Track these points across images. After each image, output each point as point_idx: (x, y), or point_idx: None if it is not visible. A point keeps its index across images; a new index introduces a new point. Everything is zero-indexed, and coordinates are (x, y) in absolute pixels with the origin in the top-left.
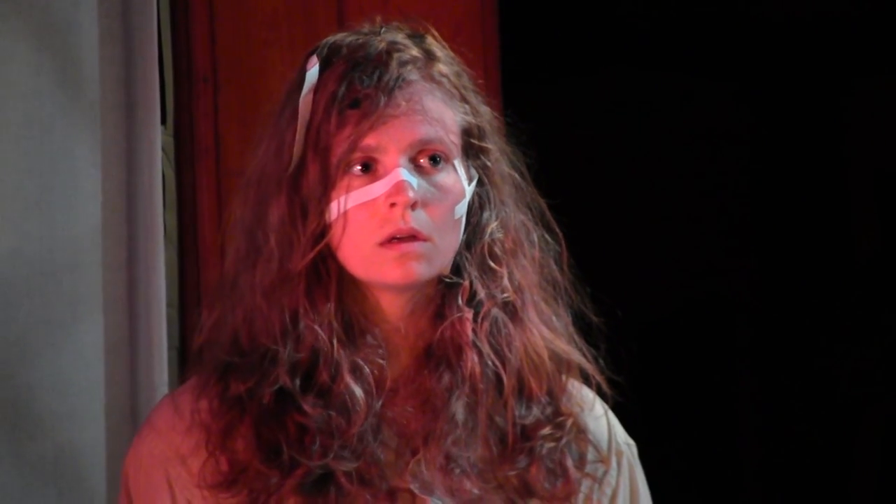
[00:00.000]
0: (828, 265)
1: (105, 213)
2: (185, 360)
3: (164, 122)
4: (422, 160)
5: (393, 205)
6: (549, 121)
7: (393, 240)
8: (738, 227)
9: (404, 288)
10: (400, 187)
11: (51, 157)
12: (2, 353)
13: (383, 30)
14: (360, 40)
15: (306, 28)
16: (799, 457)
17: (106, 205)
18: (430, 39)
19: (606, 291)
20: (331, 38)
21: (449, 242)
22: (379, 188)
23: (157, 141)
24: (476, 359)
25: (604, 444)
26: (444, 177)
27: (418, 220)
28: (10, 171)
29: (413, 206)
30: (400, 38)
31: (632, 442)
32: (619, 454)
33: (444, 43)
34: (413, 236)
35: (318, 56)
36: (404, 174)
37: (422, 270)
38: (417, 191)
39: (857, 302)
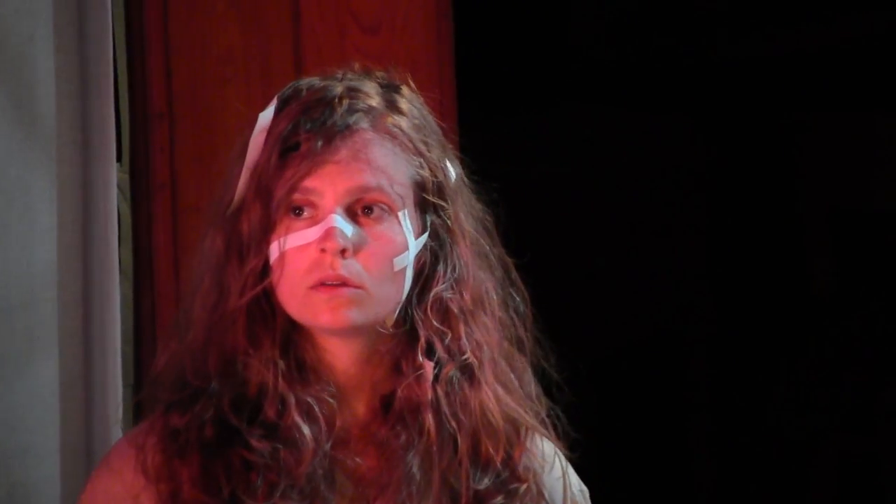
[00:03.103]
0: (782, 301)
1: (60, 249)
2: (140, 398)
3: (119, 157)
4: (359, 208)
5: (323, 250)
6: (505, 157)
7: (323, 284)
8: (694, 263)
9: (339, 332)
10: (330, 234)
11: (6, 192)
12: None
13: (350, 76)
14: (322, 84)
15: (262, 64)
16: (754, 492)
17: (61, 240)
18: (404, 90)
19: (562, 331)
20: (301, 80)
21: (387, 293)
22: (312, 233)
23: (112, 176)
24: (433, 419)
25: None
26: (382, 227)
27: (348, 267)
28: None
29: (343, 253)
30: (366, 85)
31: (585, 488)
32: None
33: (418, 94)
34: (342, 283)
35: (279, 97)
36: (337, 221)
37: (352, 316)
38: (350, 238)
39: (812, 338)
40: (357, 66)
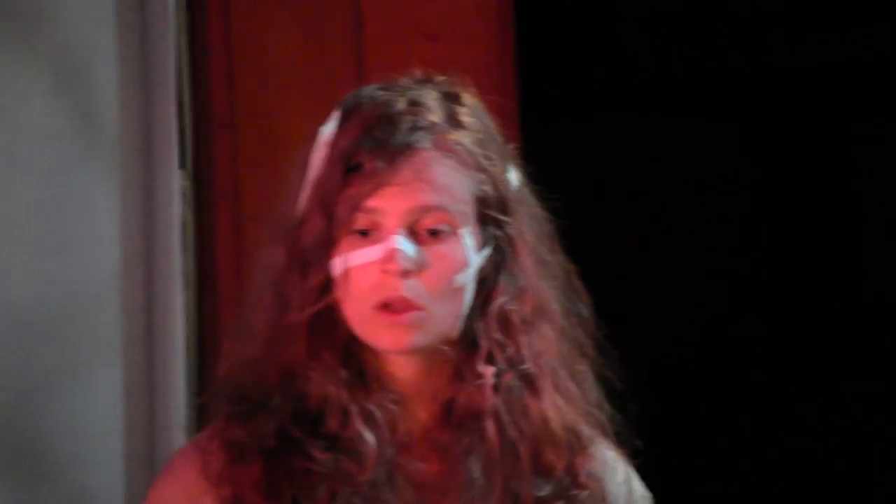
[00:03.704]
0: (838, 309)
1: (124, 257)
2: (202, 404)
3: (182, 165)
4: (422, 229)
5: (385, 271)
6: (567, 164)
7: (386, 306)
8: (749, 271)
9: (399, 354)
10: (393, 255)
11: (70, 201)
12: (21, 397)
13: (412, 84)
14: (385, 97)
15: (325, 73)
16: (814, 498)
17: (125, 248)
18: (465, 100)
19: (620, 341)
20: (363, 89)
21: (448, 311)
22: (374, 253)
23: (175, 184)
24: (494, 427)
25: None
26: (444, 247)
27: (411, 288)
28: (30, 216)
29: (406, 274)
30: (428, 98)
31: (648, 494)
32: None
33: (479, 101)
34: (406, 305)
35: (342, 108)
36: (399, 242)
37: (414, 340)
38: (412, 259)
39: (867, 346)
40: (418, 72)
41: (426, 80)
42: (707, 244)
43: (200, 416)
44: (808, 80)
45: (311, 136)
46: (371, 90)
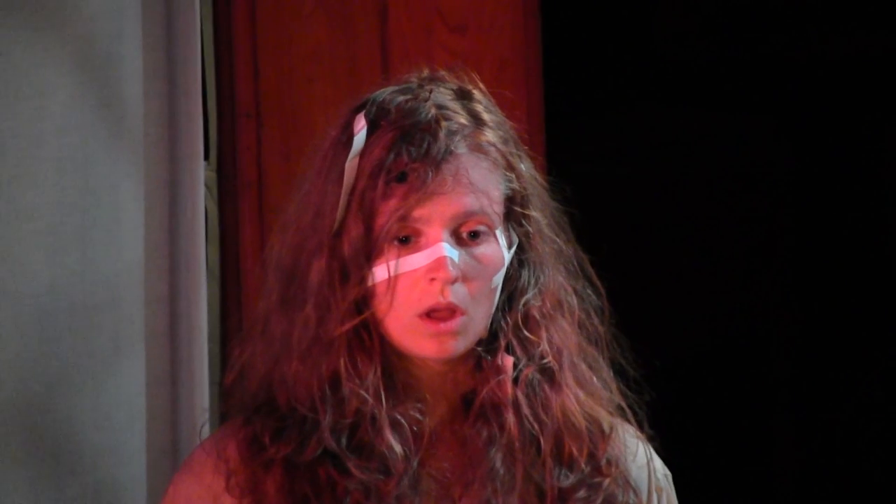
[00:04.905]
0: (867, 302)
1: (147, 248)
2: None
3: (206, 156)
4: (464, 232)
5: (433, 279)
6: (592, 156)
7: (432, 313)
8: (776, 263)
9: (443, 361)
10: (441, 263)
11: (93, 191)
12: (43, 388)
13: (432, 91)
14: (409, 104)
15: (349, 63)
16: (837, 495)
17: (148, 239)
18: (476, 96)
19: (644, 333)
20: (378, 95)
21: (484, 311)
22: (421, 259)
23: (199, 175)
24: (514, 419)
25: (644, 491)
26: (484, 248)
27: (457, 294)
28: (52, 206)
29: (453, 281)
30: (448, 100)
31: (668, 472)
32: (659, 490)
33: (486, 92)
34: (451, 311)
35: (365, 116)
36: (447, 249)
37: (457, 346)
38: (458, 265)
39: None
40: (426, 70)
41: (434, 78)
42: (735, 237)
43: (224, 408)
44: (841, 70)
45: (332, 128)
46: (388, 95)
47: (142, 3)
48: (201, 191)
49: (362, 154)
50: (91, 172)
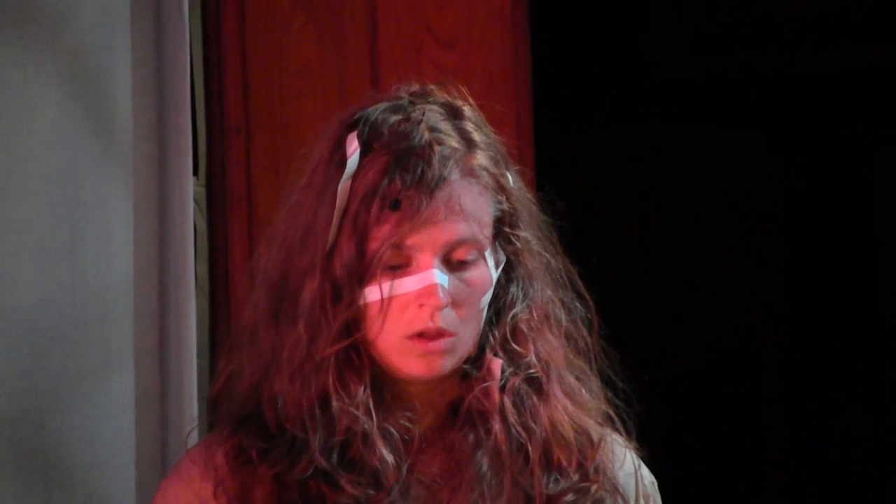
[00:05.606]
0: (855, 320)
1: (136, 263)
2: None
3: (196, 171)
4: (454, 258)
5: (422, 305)
6: (581, 172)
7: (420, 335)
8: (767, 280)
9: (429, 380)
10: (432, 290)
11: (82, 206)
12: (32, 403)
13: (424, 113)
14: (402, 126)
15: (339, 79)
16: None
17: (137, 254)
18: (467, 112)
19: (635, 347)
20: (370, 113)
21: (473, 330)
22: (412, 284)
23: (189, 190)
24: (501, 425)
25: (631, 498)
26: (473, 272)
27: (446, 319)
28: (42, 220)
29: (443, 307)
30: (440, 121)
31: (654, 480)
32: (647, 497)
33: (475, 107)
34: (438, 333)
35: (358, 137)
36: (437, 276)
37: (445, 365)
38: (448, 290)
39: (884, 357)
40: (415, 84)
41: (424, 93)
42: (727, 252)
43: (212, 423)
44: (833, 86)
45: (318, 143)
46: (380, 114)
47: (131, 18)
48: (190, 206)
49: (355, 175)
50: (80, 187)
